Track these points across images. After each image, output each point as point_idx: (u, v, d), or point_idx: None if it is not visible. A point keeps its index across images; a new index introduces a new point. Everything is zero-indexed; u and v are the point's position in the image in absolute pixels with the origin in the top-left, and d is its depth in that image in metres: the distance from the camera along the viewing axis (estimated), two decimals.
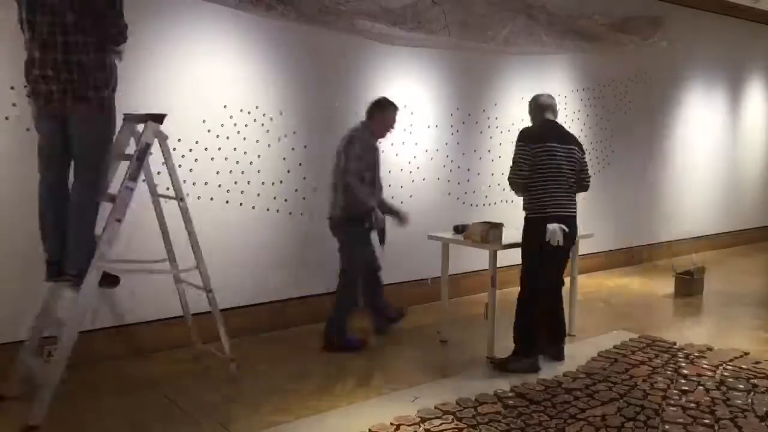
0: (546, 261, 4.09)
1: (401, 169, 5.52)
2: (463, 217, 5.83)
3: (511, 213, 6.21)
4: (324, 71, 5.01)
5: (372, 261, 4.61)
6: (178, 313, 4.45)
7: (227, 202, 4.63)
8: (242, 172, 4.67)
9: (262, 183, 4.78)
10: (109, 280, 3.48)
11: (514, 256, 5.62)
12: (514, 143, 4.14)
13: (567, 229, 3.99)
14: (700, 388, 3.79)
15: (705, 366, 4.14)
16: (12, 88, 3.77)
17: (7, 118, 3.78)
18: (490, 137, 6.11)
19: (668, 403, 3.57)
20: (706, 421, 3.34)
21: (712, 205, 8.67)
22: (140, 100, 4.19)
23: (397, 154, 5.48)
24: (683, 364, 4.17)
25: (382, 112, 4.53)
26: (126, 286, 4.22)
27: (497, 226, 4.41)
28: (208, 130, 4.50)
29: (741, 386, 3.80)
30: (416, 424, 3.29)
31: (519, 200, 6.30)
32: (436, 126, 5.73)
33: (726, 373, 4.03)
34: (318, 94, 5.00)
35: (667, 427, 3.29)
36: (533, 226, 4.10)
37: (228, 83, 4.56)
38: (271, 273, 4.87)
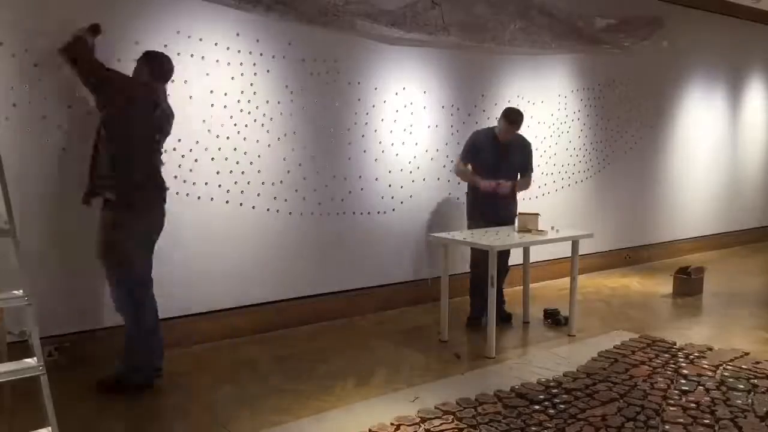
0: None
1: (401, 169, 5.52)
2: (463, 217, 5.83)
3: None
4: (324, 72, 5.01)
5: None
6: (179, 313, 4.46)
7: (227, 202, 4.63)
8: (242, 172, 4.67)
9: (262, 183, 4.78)
10: None
11: (516, 256, 5.64)
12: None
13: None
14: (700, 388, 3.79)
15: (705, 366, 4.14)
16: (12, 88, 3.77)
17: (7, 119, 3.78)
18: None
19: (668, 403, 3.57)
20: (706, 421, 3.34)
21: (712, 205, 8.67)
22: None
23: (397, 154, 5.48)
24: (683, 364, 4.17)
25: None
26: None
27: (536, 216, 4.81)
28: (208, 130, 4.50)
29: (741, 386, 3.80)
30: (416, 424, 3.29)
31: (518, 199, 6.33)
32: (436, 126, 5.73)
33: (726, 373, 4.03)
34: (318, 95, 5.00)
35: (667, 427, 3.29)
36: None
37: (228, 83, 4.56)
38: (271, 273, 4.87)
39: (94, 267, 4.11)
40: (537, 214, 4.87)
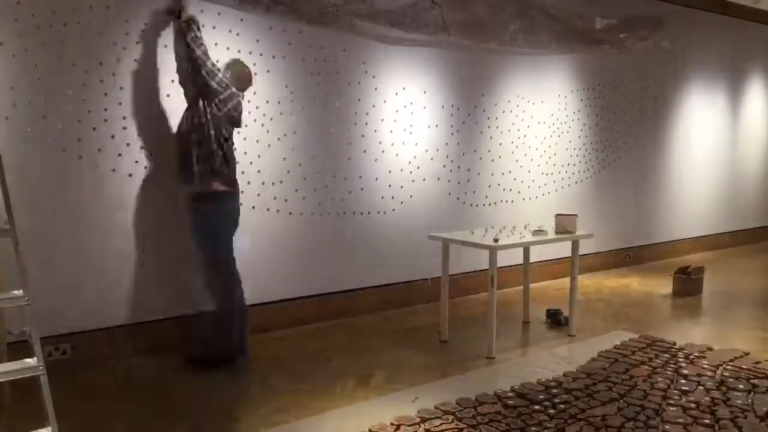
0: None
1: (401, 169, 5.52)
2: (463, 217, 5.84)
3: (510, 213, 6.23)
4: (324, 71, 5.01)
5: None
6: (179, 313, 4.46)
7: None
8: (242, 172, 4.66)
9: (262, 183, 4.78)
10: None
11: (515, 256, 5.64)
12: None
13: None
14: (700, 388, 3.79)
15: (705, 366, 4.14)
16: (12, 88, 3.77)
17: (7, 119, 3.78)
18: (490, 137, 6.11)
19: (668, 403, 3.57)
20: (706, 421, 3.34)
21: (712, 205, 8.67)
22: (140, 100, 4.19)
23: (397, 154, 5.48)
24: (683, 364, 4.17)
25: None
26: (126, 286, 4.24)
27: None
28: None
29: (741, 386, 3.80)
30: (416, 424, 3.29)
31: (518, 200, 6.35)
32: (436, 126, 5.73)
33: (726, 373, 4.03)
34: (318, 95, 5.00)
35: (667, 427, 3.29)
36: None
37: None
38: (271, 273, 4.87)
39: (94, 266, 4.12)
40: (575, 215, 4.89)
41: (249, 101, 4.66)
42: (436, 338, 4.76)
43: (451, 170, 5.85)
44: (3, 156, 3.76)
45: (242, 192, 4.66)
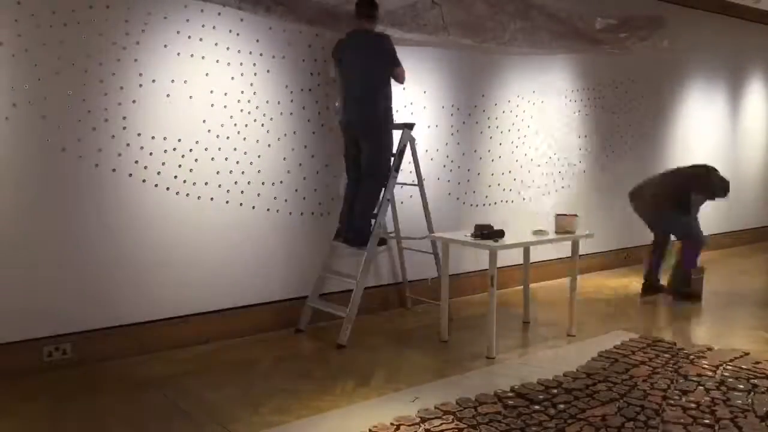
0: None
1: (401, 169, 5.51)
2: (464, 217, 5.84)
3: (510, 213, 6.23)
4: (324, 72, 5.01)
5: None
6: (180, 313, 4.46)
7: (227, 202, 4.63)
8: (242, 172, 4.67)
9: (262, 183, 4.78)
10: (382, 242, 5.01)
11: (515, 256, 5.64)
12: None
13: None
14: (700, 388, 3.79)
15: (705, 366, 4.14)
16: (12, 88, 3.77)
17: (7, 119, 3.78)
18: (490, 137, 6.11)
19: (668, 404, 3.57)
20: (707, 421, 3.34)
21: (712, 205, 8.60)
22: (140, 99, 4.19)
23: None
24: (683, 364, 4.17)
25: None
26: (120, 286, 4.24)
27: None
28: (208, 130, 4.50)
29: (741, 386, 3.80)
30: (416, 424, 3.29)
31: (518, 200, 6.35)
32: (436, 126, 5.73)
33: (726, 373, 4.03)
34: (318, 95, 5.00)
35: (667, 427, 3.29)
36: None
37: (228, 83, 4.56)
38: (271, 273, 4.87)
39: (96, 266, 4.12)
40: (575, 215, 4.90)
41: (249, 101, 4.67)
42: (436, 338, 4.76)
43: (451, 170, 5.85)
44: (3, 156, 3.78)
45: (242, 192, 4.68)
